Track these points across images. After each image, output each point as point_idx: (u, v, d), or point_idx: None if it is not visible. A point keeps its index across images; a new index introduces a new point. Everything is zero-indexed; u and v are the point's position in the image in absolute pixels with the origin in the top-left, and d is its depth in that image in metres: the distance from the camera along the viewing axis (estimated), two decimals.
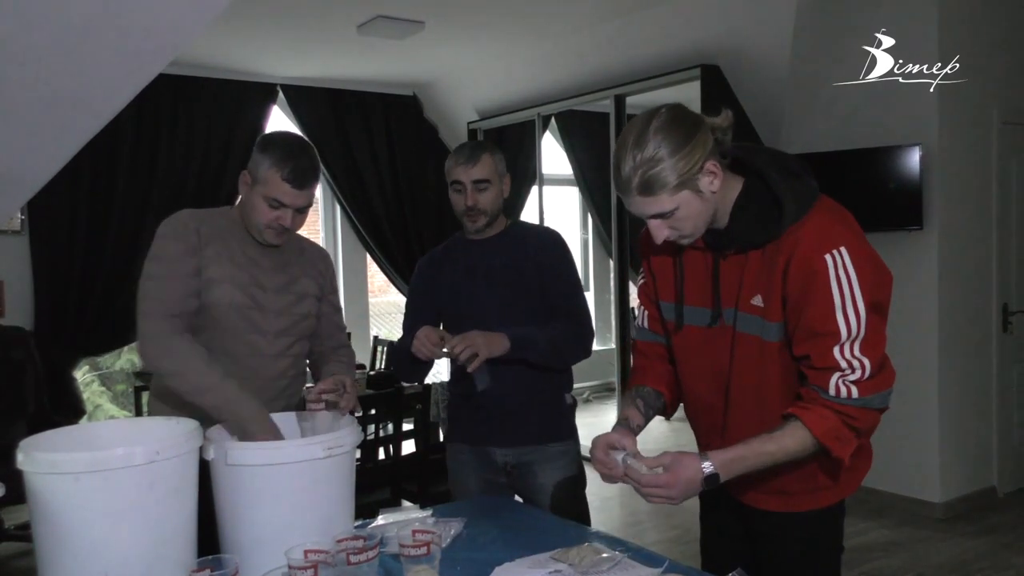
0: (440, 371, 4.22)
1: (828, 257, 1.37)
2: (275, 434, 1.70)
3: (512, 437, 2.17)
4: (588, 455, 1.57)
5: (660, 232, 1.43)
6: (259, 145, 1.85)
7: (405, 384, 4.44)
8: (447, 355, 1.99)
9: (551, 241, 2.22)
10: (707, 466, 1.38)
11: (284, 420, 1.78)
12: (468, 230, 2.17)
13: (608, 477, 1.47)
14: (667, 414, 1.73)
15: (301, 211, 1.87)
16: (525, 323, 2.10)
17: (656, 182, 1.36)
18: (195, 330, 1.81)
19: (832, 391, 1.38)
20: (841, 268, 1.37)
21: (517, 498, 2.25)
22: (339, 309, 2.14)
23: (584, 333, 2.17)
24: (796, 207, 1.40)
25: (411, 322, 2.22)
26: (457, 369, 2.27)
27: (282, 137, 1.88)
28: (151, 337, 1.74)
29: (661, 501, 1.41)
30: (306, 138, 2.05)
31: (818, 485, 1.54)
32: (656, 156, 1.35)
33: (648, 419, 1.65)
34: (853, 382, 1.38)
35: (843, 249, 1.37)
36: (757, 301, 1.45)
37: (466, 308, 2.16)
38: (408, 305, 2.32)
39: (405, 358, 2.09)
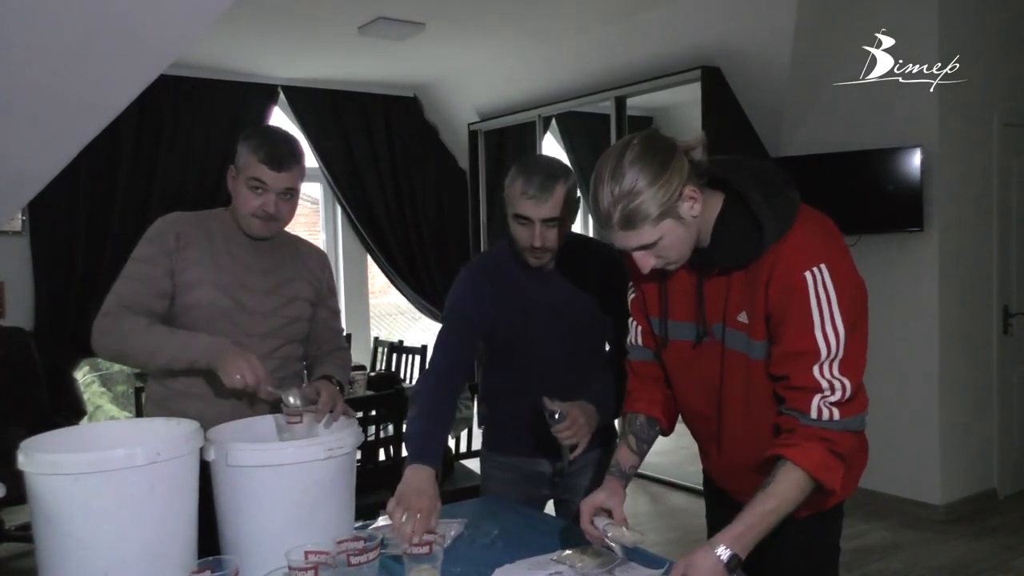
0: None
1: (808, 274, 1.35)
2: (243, 356, 1.68)
3: (563, 449, 2.00)
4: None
5: (646, 262, 1.41)
6: (241, 137, 1.89)
7: (406, 385, 4.44)
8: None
9: (616, 267, 2.02)
10: (722, 552, 1.33)
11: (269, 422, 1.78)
12: (530, 263, 1.93)
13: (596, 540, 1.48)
14: (666, 434, 1.70)
15: (286, 198, 1.87)
16: (586, 362, 2.00)
17: (637, 215, 1.33)
18: None
19: (814, 414, 1.35)
20: (821, 285, 1.35)
21: (551, 505, 2.18)
22: (337, 313, 2.13)
23: None
24: (777, 225, 1.37)
25: (448, 345, 1.96)
26: (495, 391, 2.14)
27: (262, 126, 1.96)
28: (97, 330, 1.79)
29: None
30: (294, 134, 2.06)
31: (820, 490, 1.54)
32: (634, 189, 1.32)
33: (643, 455, 1.63)
34: (834, 404, 1.35)
35: (823, 266, 1.35)
36: (743, 318, 1.44)
37: (522, 345, 2.01)
38: (448, 324, 1.98)
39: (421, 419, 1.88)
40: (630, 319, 1.68)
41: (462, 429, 3.94)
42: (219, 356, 1.70)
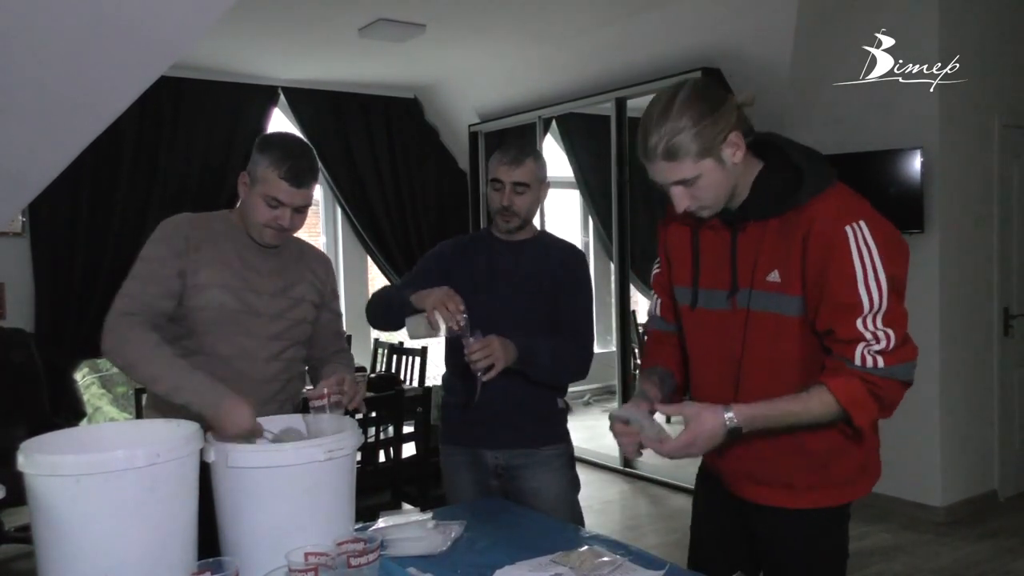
0: (437, 375, 4.21)
1: (848, 229, 1.40)
2: (240, 414, 1.61)
3: (503, 440, 2.17)
4: (582, 458, 1.56)
5: (682, 200, 1.47)
6: (258, 145, 1.86)
7: (406, 387, 4.44)
8: (455, 334, 1.91)
9: (574, 260, 2.25)
10: (730, 417, 1.40)
11: (292, 422, 1.78)
12: (499, 228, 2.21)
13: (630, 448, 1.50)
14: (680, 394, 1.75)
15: (300, 211, 1.87)
16: (533, 334, 2.09)
17: (680, 148, 1.40)
18: (186, 333, 1.82)
19: (858, 361, 1.40)
20: (862, 240, 1.39)
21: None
22: (339, 315, 2.13)
23: (585, 356, 2.18)
24: (817, 179, 1.44)
25: (414, 286, 2.13)
26: (452, 375, 2.25)
27: (281, 137, 1.90)
28: (108, 331, 1.74)
29: (680, 455, 1.43)
30: (305, 140, 2.06)
31: (829, 477, 1.53)
32: (681, 125, 1.39)
33: (665, 393, 1.66)
34: (878, 352, 1.39)
35: (862, 222, 1.40)
36: (774, 277, 1.47)
37: (478, 306, 2.10)
38: (418, 269, 2.25)
39: (391, 303, 2.08)
40: (653, 295, 1.79)
41: None
42: (213, 408, 1.62)
